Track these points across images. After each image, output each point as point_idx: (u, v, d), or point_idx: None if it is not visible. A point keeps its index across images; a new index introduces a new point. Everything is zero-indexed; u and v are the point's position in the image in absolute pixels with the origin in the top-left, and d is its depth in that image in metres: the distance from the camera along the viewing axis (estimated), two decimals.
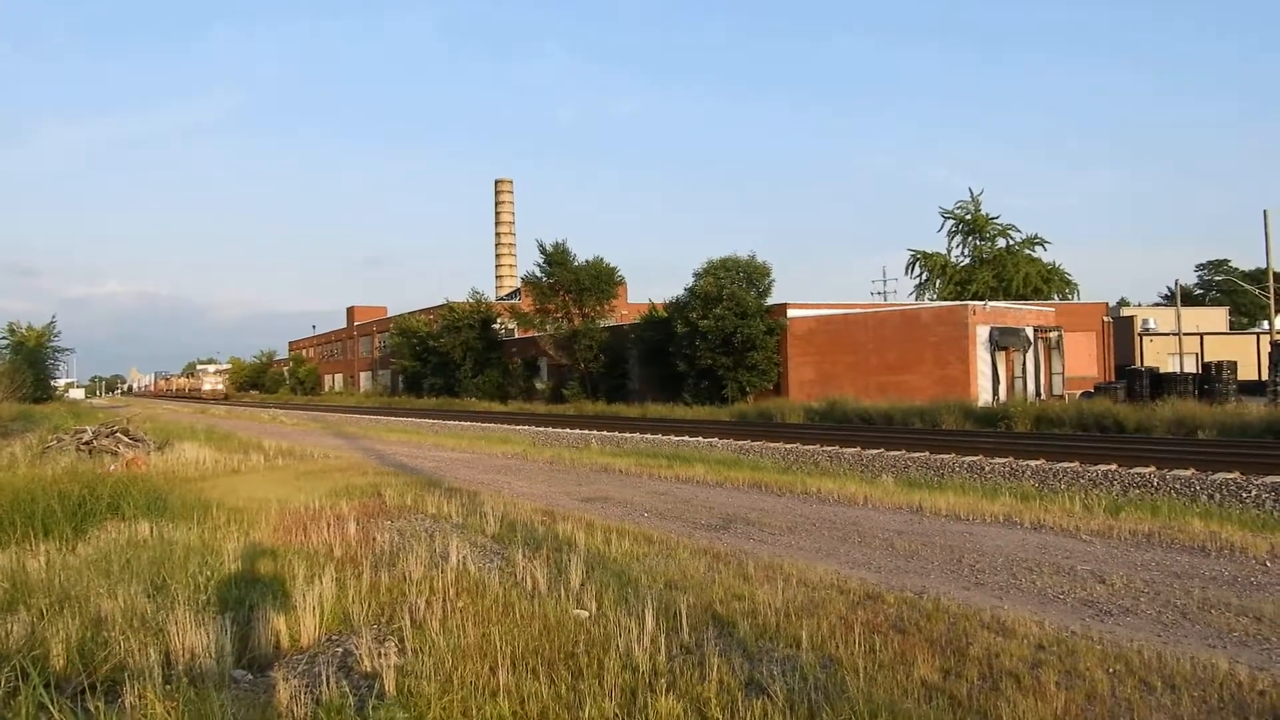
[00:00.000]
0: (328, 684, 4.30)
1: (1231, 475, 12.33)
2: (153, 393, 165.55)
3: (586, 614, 5.64)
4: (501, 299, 77.71)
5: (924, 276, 66.01)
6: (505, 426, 29.12)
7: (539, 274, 45.92)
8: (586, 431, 25.35)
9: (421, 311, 66.28)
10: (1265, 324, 48.10)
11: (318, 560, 7.11)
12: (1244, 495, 11.45)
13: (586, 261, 45.24)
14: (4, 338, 61.95)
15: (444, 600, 5.91)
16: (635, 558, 7.57)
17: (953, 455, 16.01)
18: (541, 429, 27.30)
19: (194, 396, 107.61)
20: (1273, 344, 28.66)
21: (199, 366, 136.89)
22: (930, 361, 33.44)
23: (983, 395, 31.84)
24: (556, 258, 45.14)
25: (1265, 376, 30.46)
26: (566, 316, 45.82)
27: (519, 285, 66.47)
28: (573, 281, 44.57)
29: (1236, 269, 78.39)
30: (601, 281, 45.03)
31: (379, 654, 4.68)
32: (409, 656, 4.80)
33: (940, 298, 60.90)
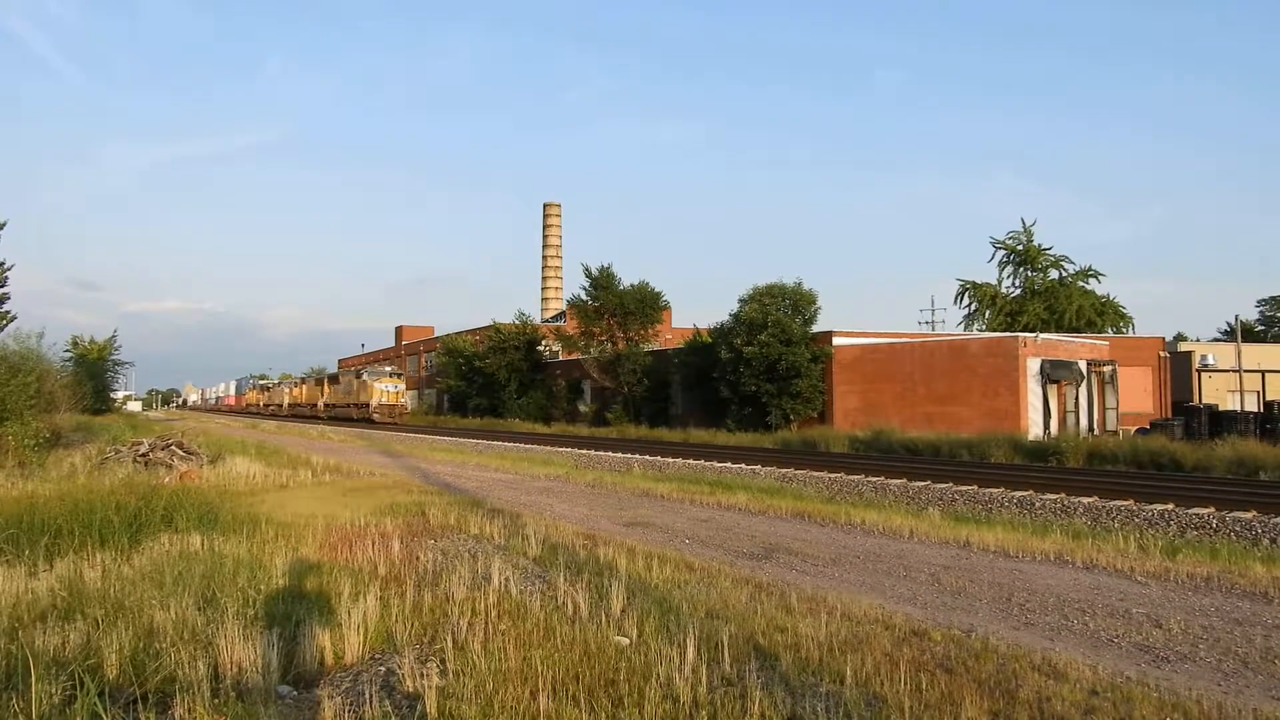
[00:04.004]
0: (370, 703, 4.34)
1: None
2: (231, 408, 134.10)
3: (627, 641, 5.62)
4: (547, 321, 78.39)
5: (973, 307, 64.97)
6: (548, 448, 29.24)
7: (584, 297, 46.25)
8: (629, 455, 25.34)
9: (468, 332, 67.08)
10: None
11: (362, 578, 7.19)
12: None
13: (631, 285, 45.48)
14: (67, 351, 64.05)
15: (486, 622, 5.93)
16: (676, 585, 7.52)
17: (1002, 490, 15.67)
18: (584, 451, 27.36)
19: (355, 417, 59.34)
20: None
21: (365, 370, 64.57)
22: (979, 393, 32.87)
23: (1033, 429, 31.16)
24: (602, 281, 45.44)
25: None
26: (611, 340, 45.99)
27: (564, 308, 67.00)
28: (617, 305, 44.79)
29: None
30: (646, 305, 45.18)
31: (421, 674, 4.71)
32: (450, 678, 4.81)
33: (989, 329, 59.88)
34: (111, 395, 72.24)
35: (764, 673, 5.05)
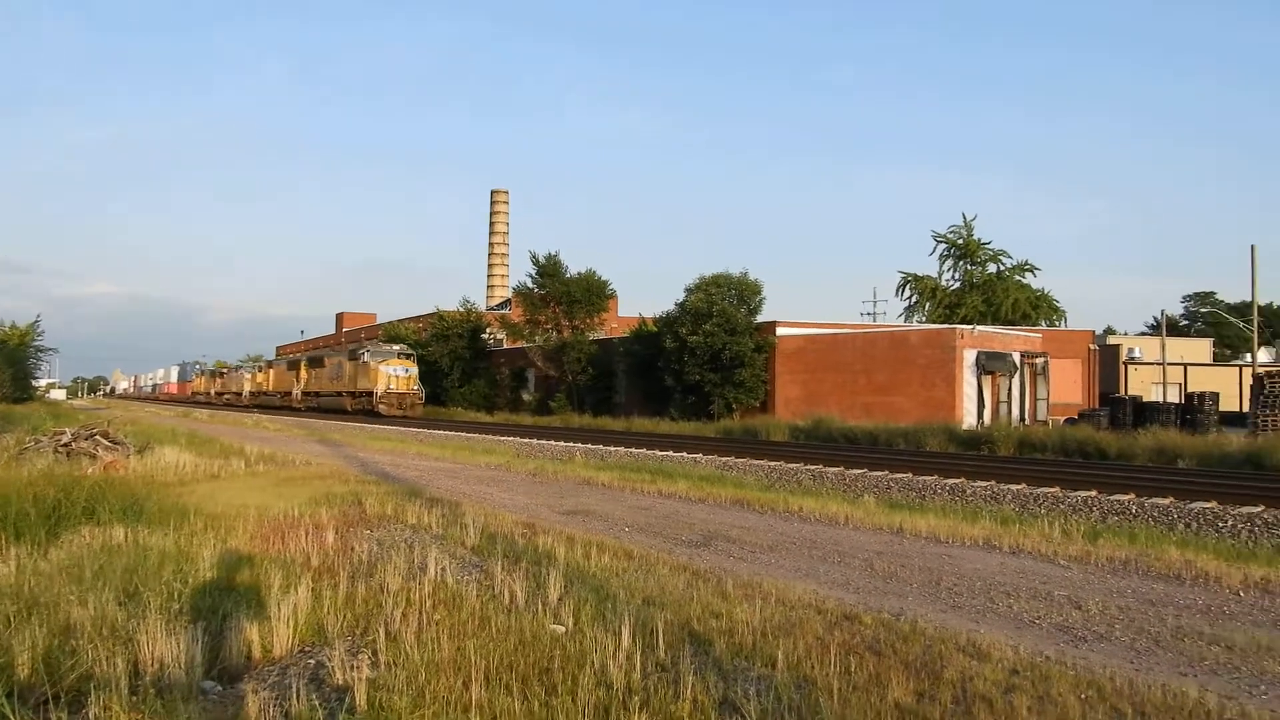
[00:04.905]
0: (298, 697, 4.26)
1: (1209, 505, 12.41)
2: (172, 396, 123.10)
3: (563, 629, 5.62)
4: (492, 309, 77.76)
5: (914, 299, 66.39)
6: (490, 437, 29.03)
7: (530, 285, 46.02)
8: (571, 444, 25.30)
9: (411, 319, 66.18)
10: (1249, 357, 48.50)
11: (294, 569, 7.05)
12: (1220, 525, 11.52)
13: (578, 274, 45.36)
14: None
15: (420, 612, 5.87)
16: (614, 573, 7.54)
17: (935, 477, 16.05)
18: (526, 440, 27.23)
19: (350, 408, 48.97)
20: (1255, 377, 28.91)
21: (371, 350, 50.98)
22: (917, 383, 33.58)
23: (968, 418, 31.96)
24: (548, 269, 45.23)
25: (1247, 408, 30.69)
26: (556, 328, 45.82)
27: (510, 296, 66.48)
28: (564, 293, 44.64)
29: (1223, 301, 79.26)
30: (592, 294, 45.13)
31: (352, 667, 4.64)
32: (382, 670, 4.75)
33: (929, 320, 61.18)
34: (33, 383, 69.49)
35: (698, 658, 5.10)
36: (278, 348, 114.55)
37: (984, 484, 15.03)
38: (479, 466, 19.33)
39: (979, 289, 63.10)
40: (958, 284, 64.97)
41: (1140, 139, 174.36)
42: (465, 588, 6.74)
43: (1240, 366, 50.89)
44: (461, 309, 56.24)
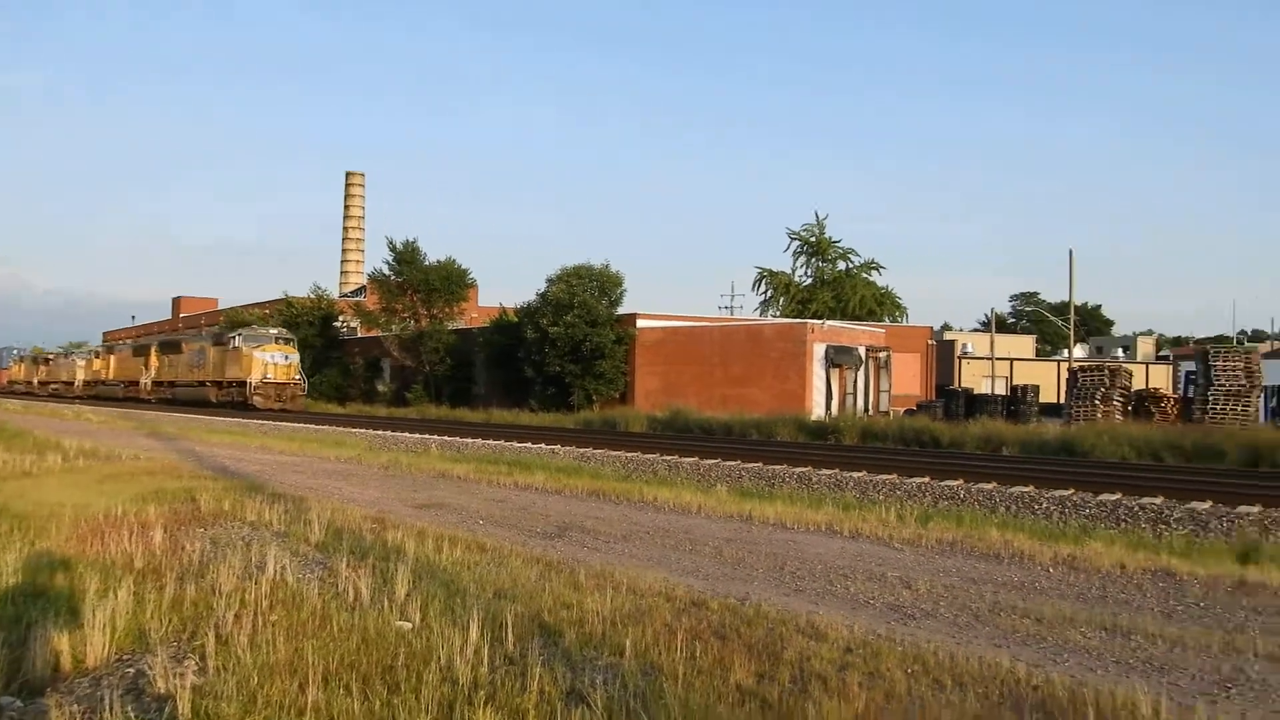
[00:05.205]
0: (111, 708, 3.96)
1: (1027, 489, 13.48)
2: None
3: (410, 626, 5.48)
4: (345, 296, 74.77)
5: (769, 294, 68.67)
6: (341, 429, 27.97)
7: (387, 272, 44.62)
8: (427, 436, 24.74)
9: (255, 305, 62.80)
10: (1066, 352, 53.03)
11: (114, 572, 6.55)
12: (1036, 507, 12.55)
13: (438, 261, 44.35)
14: None
15: (256, 614, 5.58)
16: (466, 566, 7.43)
17: (784, 466, 16.69)
18: (380, 432, 26.41)
19: (215, 399, 43.88)
20: (1070, 371, 31.65)
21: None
22: (771, 376, 34.81)
23: (817, 409, 33.42)
24: (406, 256, 43.98)
25: (1063, 399, 33.60)
26: (414, 317, 44.63)
27: (365, 283, 64.18)
28: (422, 281, 43.53)
29: (1045, 301, 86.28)
30: (452, 283, 44.24)
31: (175, 674, 4.35)
32: (210, 675, 4.49)
33: (783, 315, 63.47)
34: None
35: (547, 649, 5.10)
36: (104, 334, 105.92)
37: (829, 472, 15.75)
38: (329, 460, 18.58)
39: (829, 285, 65.95)
40: (810, 280, 67.72)
41: (977, 145, 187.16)
42: (306, 586, 6.47)
43: (1059, 361, 55.66)
44: (313, 295, 53.87)
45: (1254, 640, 5.77)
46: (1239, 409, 26.07)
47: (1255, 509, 11.49)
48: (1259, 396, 26.78)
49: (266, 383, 41.11)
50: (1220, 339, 77.67)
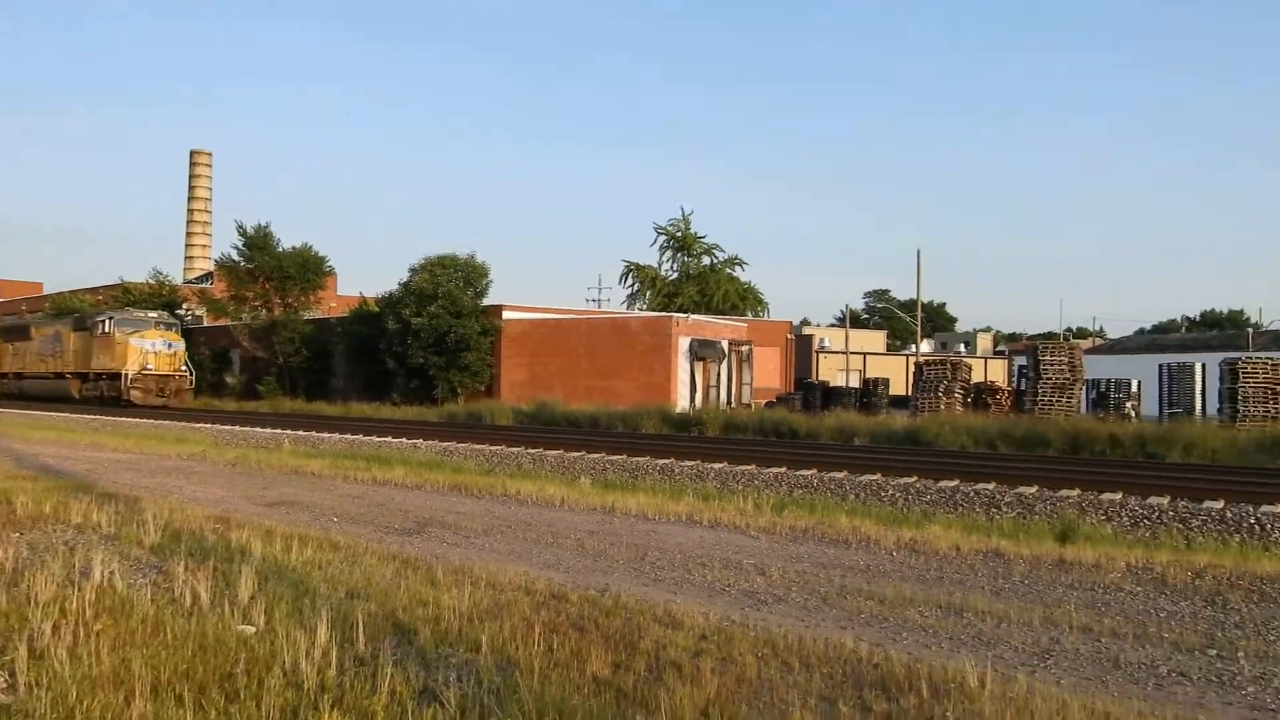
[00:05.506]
0: None
1: (875, 477, 14.19)
2: None
3: (253, 630, 5.21)
4: (190, 282, 70.21)
5: (636, 287, 69.35)
6: (183, 424, 26.27)
7: (236, 257, 42.18)
8: (279, 431, 23.59)
9: (87, 291, 58.06)
10: (913, 347, 56.15)
11: None
12: (882, 494, 13.23)
13: (292, 248, 42.27)
14: None
15: (78, 624, 5.16)
16: (317, 566, 7.14)
17: (648, 458, 16.89)
18: (227, 427, 24.98)
19: (78, 395, 38.80)
20: (916, 365, 33.53)
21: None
22: (637, 368, 35.18)
23: (681, 402, 34.03)
24: (258, 241, 41.69)
25: (910, 392, 35.57)
26: (266, 305, 42.43)
27: (212, 269, 60.57)
28: (275, 268, 41.38)
29: (895, 298, 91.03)
30: (308, 270, 42.29)
31: None
32: (21, 694, 4.13)
33: (650, 308, 64.23)
34: None
35: (400, 649, 4.96)
36: None
37: (691, 463, 16.06)
38: (169, 457, 17.43)
39: (695, 280, 67.26)
40: (676, 275, 68.86)
41: (835, 143, 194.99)
42: (137, 592, 6.04)
43: (907, 355, 58.89)
44: (152, 281, 50.29)
45: (1070, 613, 6.30)
46: (1064, 400, 28.32)
47: (1075, 493, 12.51)
48: (1081, 389, 29.11)
49: (147, 374, 36.50)
50: (1049, 335, 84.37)
